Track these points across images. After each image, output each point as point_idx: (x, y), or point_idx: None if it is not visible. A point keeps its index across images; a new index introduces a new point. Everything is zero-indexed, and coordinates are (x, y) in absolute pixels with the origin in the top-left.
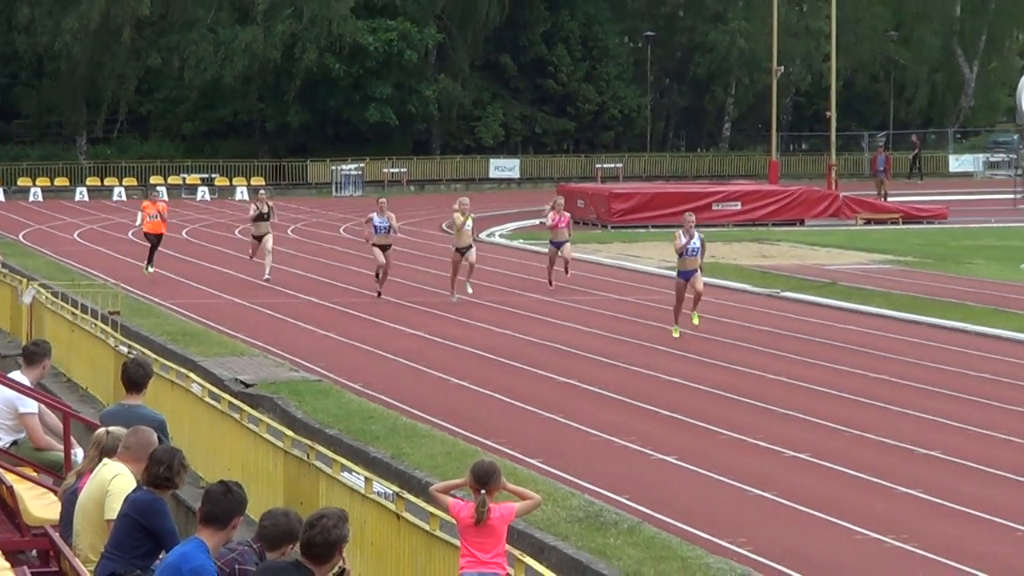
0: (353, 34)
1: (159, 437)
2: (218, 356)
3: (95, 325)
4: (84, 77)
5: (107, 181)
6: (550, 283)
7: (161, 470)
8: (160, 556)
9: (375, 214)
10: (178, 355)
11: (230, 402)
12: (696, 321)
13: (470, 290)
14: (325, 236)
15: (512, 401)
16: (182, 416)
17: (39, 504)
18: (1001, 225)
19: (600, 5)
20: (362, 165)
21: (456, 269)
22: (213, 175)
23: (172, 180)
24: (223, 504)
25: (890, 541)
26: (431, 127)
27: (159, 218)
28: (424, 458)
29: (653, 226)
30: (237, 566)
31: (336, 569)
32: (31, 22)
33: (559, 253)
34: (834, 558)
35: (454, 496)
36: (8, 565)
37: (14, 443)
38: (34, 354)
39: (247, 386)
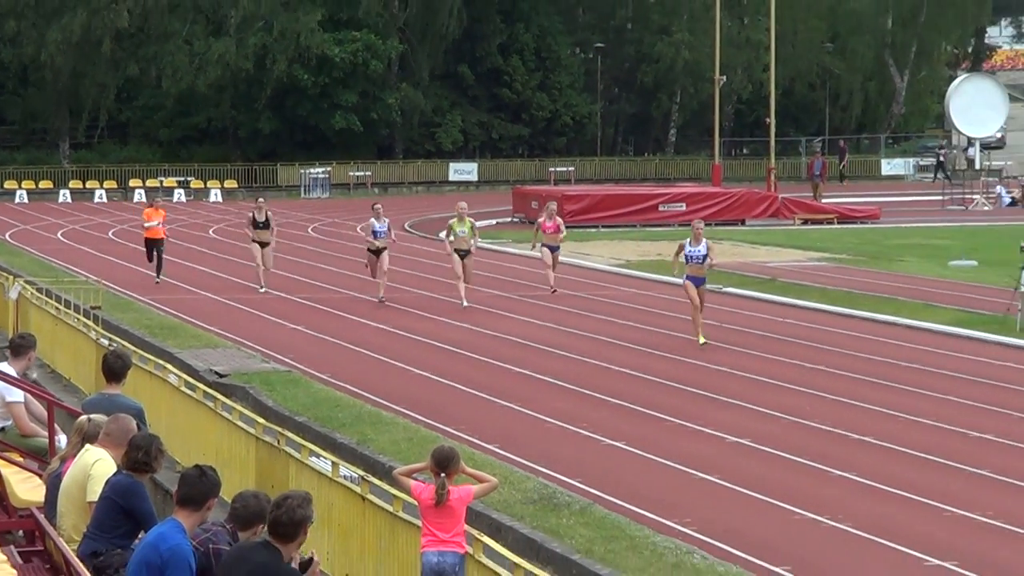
0: (320, 46)
1: (138, 424)
2: (193, 348)
3: (77, 319)
4: (67, 86)
5: (89, 184)
6: (552, 291)
7: (140, 455)
8: (139, 536)
9: (373, 219)
10: (156, 347)
11: (205, 391)
12: (702, 341)
13: (463, 292)
14: (294, 236)
15: (470, 391)
16: (159, 404)
17: (25, 487)
18: (930, 225)
19: (553, 18)
20: (329, 169)
21: (457, 274)
22: (189, 178)
23: (150, 183)
24: (198, 487)
25: (826, 521)
26: (394, 133)
27: (158, 224)
28: (388, 444)
29: (603, 226)
30: (211, 545)
31: (306, 556)
32: (17, 34)
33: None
34: (773, 537)
35: (416, 479)
36: None
37: (1, 430)
38: (20, 346)
39: (221, 376)
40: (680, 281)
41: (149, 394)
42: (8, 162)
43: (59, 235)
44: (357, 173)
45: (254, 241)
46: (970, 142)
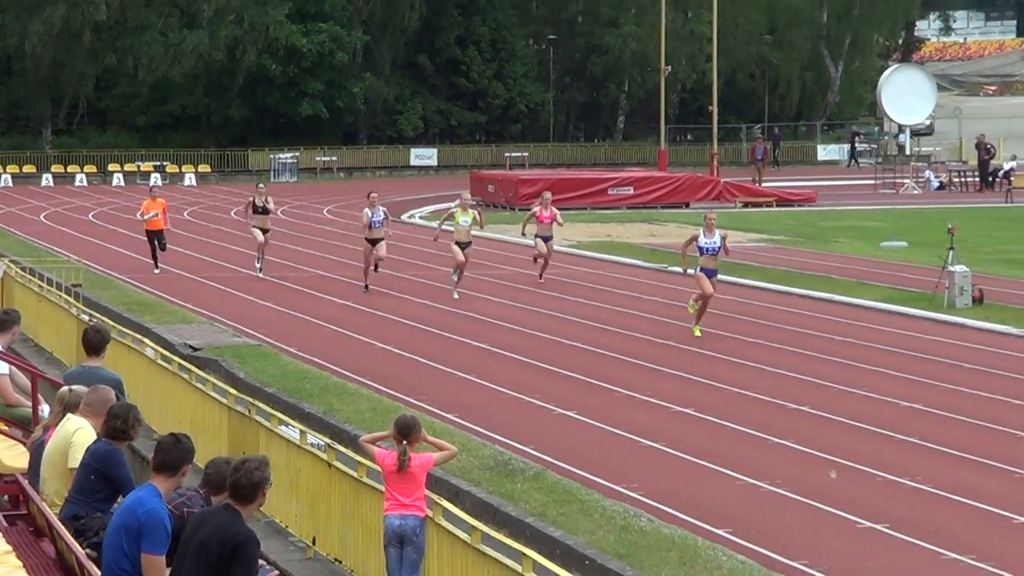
0: (288, 37)
1: (116, 395)
2: (169, 323)
3: (59, 296)
4: (48, 75)
5: (70, 168)
6: (540, 277)
7: (118, 424)
8: (118, 500)
9: (367, 209)
10: (133, 322)
11: (180, 364)
12: (698, 333)
13: (456, 295)
14: None
15: (431, 363)
16: (137, 376)
17: (10, 454)
18: (863, 207)
19: (508, 12)
20: (297, 154)
21: (460, 261)
22: (164, 163)
23: (128, 167)
24: (173, 454)
25: (765, 485)
26: (358, 120)
27: (157, 216)
28: (353, 413)
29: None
30: (185, 508)
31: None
32: (1, 26)
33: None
34: (716, 500)
35: (379, 446)
36: None
37: None
38: (5, 322)
39: (195, 350)
40: (690, 272)
41: (127, 366)
42: None
43: (42, 217)
44: (324, 158)
45: (254, 227)
46: (900, 129)
